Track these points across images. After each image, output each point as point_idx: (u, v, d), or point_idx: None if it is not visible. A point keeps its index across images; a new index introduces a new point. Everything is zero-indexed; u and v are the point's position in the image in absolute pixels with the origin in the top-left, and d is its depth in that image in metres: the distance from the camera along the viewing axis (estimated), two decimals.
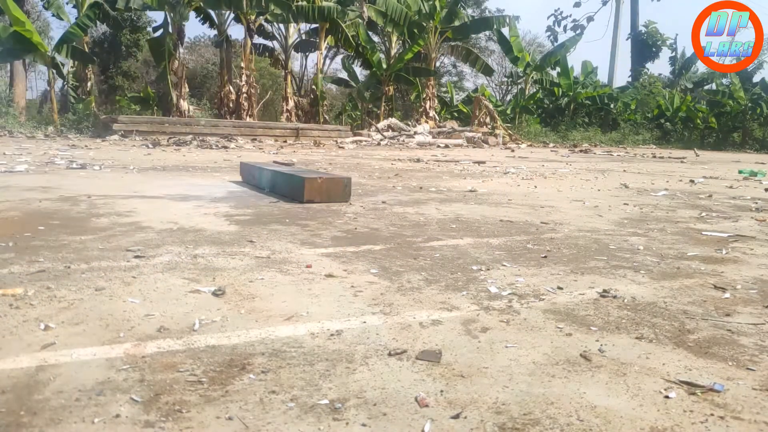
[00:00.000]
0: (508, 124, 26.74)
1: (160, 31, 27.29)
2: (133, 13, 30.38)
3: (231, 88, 28.67)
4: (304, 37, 31.04)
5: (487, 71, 28.29)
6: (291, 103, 29.50)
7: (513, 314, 3.05)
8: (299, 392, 2.11)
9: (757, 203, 7.98)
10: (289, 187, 6.97)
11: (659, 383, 2.30)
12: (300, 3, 26.41)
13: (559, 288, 3.56)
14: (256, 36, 29.11)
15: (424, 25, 27.03)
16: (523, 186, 9.24)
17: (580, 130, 26.73)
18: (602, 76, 31.50)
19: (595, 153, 19.56)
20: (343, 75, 34.53)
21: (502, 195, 7.90)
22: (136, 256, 3.85)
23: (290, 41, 30.32)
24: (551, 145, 23.58)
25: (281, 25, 29.72)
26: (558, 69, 28.69)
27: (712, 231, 5.73)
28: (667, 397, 2.18)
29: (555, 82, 28.87)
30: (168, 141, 19.29)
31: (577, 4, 31.09)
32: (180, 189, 7.54)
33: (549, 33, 31.94)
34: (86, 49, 26.49)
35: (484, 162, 13.37)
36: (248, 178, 8.54)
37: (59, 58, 24.51)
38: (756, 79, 28.69)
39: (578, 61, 30.37)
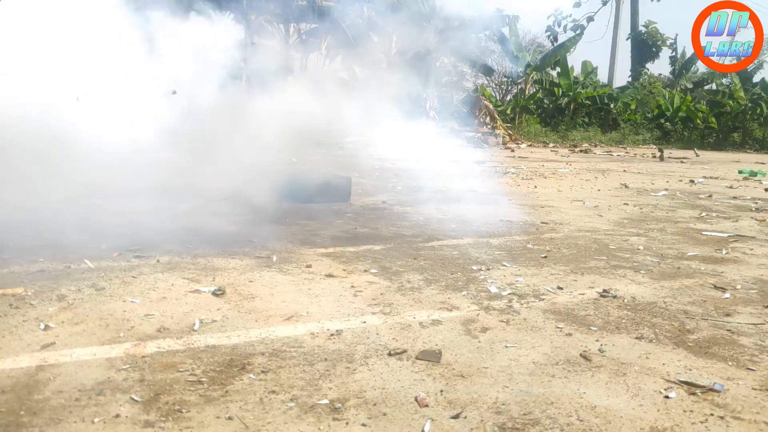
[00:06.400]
0: (508, 124, 26.71)
1: None
2: None
3: None
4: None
5: (487, 71, 28.26)
6: None
7: (513, 314, 3.05)
8: (299, 392, 2.11)
9: (757, 203, 7.97)
10: (289, 187, 6.96)
11: (659, 383, 2.30)
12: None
13: (559, 288, 3.56)
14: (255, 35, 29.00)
15: (424, 24, 26.97)
16: (523, 186, 9.24)
17: (580, 130, 26.69)
18: (602, 76, 31.42)
19: (595, 153, 19.55)
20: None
21: (502, 195, 7.89)
22: (136, 256, 3.85)
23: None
24: (551, 145, 23.58)
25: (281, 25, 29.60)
26: (558, 69, 28.66)
27: (712, 231, 5.73)
28: (667, 397, 2.18)
29: (555, 82, 28.83)
30: None
31: (577, 4, 31.02)
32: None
33: (549, 33, 31.88)
34: None
35: (484, 162, 13.37)
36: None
37: None
38: (756, 79, 28.66)
39: (578, 61, 30.20)
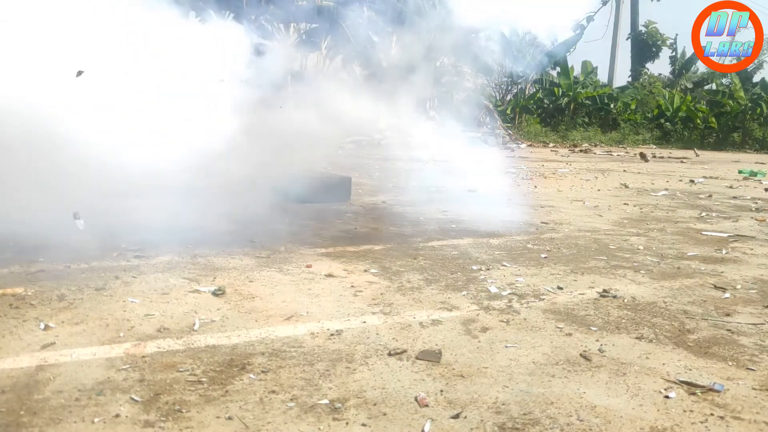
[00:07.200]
0: (508, 124, 26.72)
1: None
2: None
3: None
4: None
5: (487, 71, 28.28)
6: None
7: (513, 314, 3.05)
8: (299, 392, 2.11)
9: (757, 203, 7.98)
10: (289, 187, 6.96)
11: (659, 383, 2.30)
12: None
13: (559, 288, 3.56)
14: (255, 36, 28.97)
15: (424, 25, 26.94)
16: (523, 186, 9.24)
17: (580, 130, 26.71)
18: (602, 76, 31.44)
19: (595, 153, 19.56)
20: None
21: (502, 195, 7.89)
22: (136, 256, 3.84)
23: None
24: (551, 144, 23.59)
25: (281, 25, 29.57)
26: (558, 69, 28.67)
27: (712, 231, 5.73)
28: (667, 397, 2.18)
29: (555, 82, 28.84)
30: None
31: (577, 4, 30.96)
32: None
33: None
34: None
35: (483, 162, 13.35)
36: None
37: None
38: (756, 79, 28.67)
39: (578, 61, 30.24)
